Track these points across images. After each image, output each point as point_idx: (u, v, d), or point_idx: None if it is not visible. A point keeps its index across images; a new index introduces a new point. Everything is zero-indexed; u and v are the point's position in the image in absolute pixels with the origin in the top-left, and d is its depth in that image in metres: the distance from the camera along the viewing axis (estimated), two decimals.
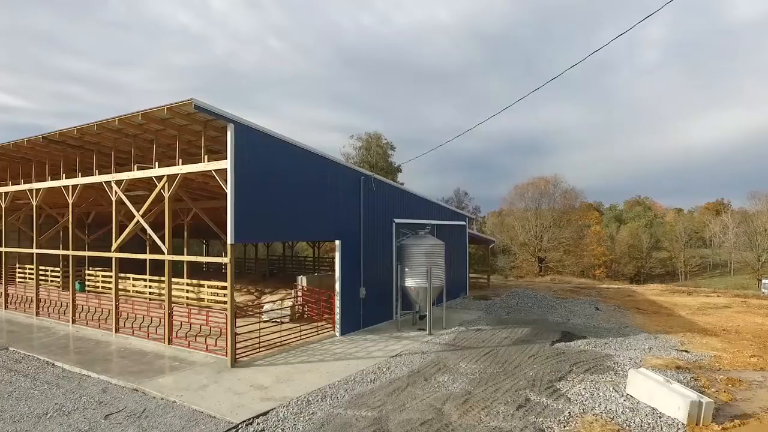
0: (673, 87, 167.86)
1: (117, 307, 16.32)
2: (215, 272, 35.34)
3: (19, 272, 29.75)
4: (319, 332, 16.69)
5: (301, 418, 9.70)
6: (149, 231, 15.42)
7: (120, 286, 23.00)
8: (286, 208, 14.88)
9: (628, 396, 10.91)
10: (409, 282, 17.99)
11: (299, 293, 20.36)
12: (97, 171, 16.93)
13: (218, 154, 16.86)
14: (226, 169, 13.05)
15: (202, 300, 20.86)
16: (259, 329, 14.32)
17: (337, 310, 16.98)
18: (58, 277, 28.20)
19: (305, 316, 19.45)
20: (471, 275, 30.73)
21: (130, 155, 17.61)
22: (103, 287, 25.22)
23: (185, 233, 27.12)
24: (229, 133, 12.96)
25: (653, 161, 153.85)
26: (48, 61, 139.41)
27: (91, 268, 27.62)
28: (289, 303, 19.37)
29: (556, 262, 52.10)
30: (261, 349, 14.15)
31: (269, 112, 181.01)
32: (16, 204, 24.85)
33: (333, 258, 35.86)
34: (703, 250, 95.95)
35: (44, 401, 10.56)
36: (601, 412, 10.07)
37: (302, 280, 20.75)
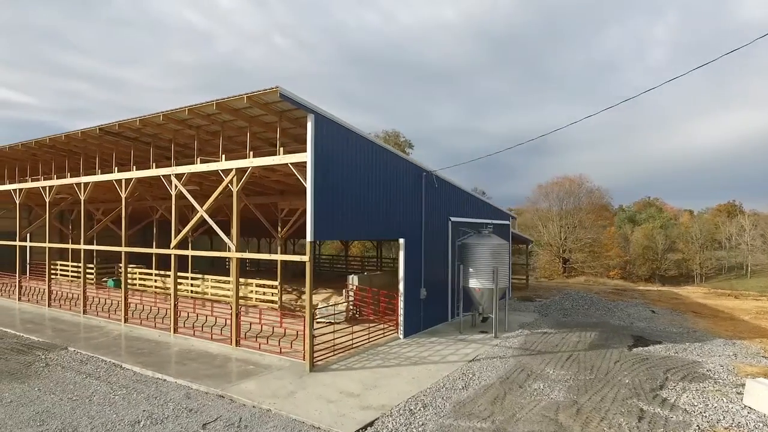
0: (680, 88, 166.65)
1: (176, 306, 15.65)
2: (260, 271, 34.68)
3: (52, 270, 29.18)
4: (385, 335, 16.01)
5: (414, 430, 9.03)
6: (215, 228, 14.73)
7: (161, 285, 22.49)
8: (357, 204, 14.20)
9: (749, 408, 10.23)
10: (473, 283, 17.29)
11: (351, 293, 19.70)
12: (153, 164, 16.24)
13: (274, 148, 16.27)
14: (305, 162, 12.37)
15: (250, 299, 20.20)
16: (333, 332, 13.64)
17: (401, 311, 16.30)
18: (92, 273, 27.63)
19: (356, 317, 18.79)
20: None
21: (187, 148, 17.04)
22: (141, 285, 24.57)
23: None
24: (309, 124, 12.27)
25: (657, 162, 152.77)
26: (53, 58, 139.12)
27: (114, 265, 26.94)
28: (342, 303, 18.68)
29: (580, 263, 51.29)
30: (336, 353, 13.48)
31: None
32: (54, 198, 24.28)
33: (361, 258, 35.17)
34: (719, 252, 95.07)
35: (130, 408, 9.90)
36: (730, 426, 9.38)
37: (353, 280, 20.06)
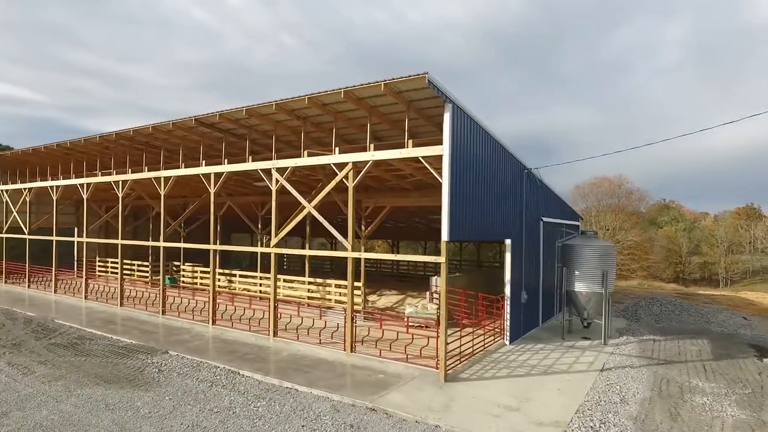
0: (689, 89, 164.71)
1: (275, 308, 14.79)
2: (320, 271, 33.85)
3: (100, 266, 28.46)
4: (493, 340, 15.10)
5: None
6: (328, 226, 13.86)
7: (237, 285, 21.45)
8: (479, 202, 13.30)
9: None
10: (579, 286, 16.36)
11: (435, 295, 18.80)
12: (250, 158, 15.38)
13: (381, 141, 15.39)
14: (440, 156, 11.46)
15: (329, 300, 19.33)
16: (460, 338, 12.73)
17: (507, 315, 15.39)
18: (147, 271, 26.86)
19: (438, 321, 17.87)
20: None
21: (278, 141, 16.22)
22: (202, 284, 23.75)
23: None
24: (447, 115, 11.38)
25: (664, 163, 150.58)
26: (62, 55, 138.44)
27: (169, 263, 26.06)
28: (433, 306, 17.78)
29: (620, 266, 50.18)
30: (463, 360, 12.59)
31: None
32: (112, 194, 23.51)
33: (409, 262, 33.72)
34: (743, 256, 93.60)
35: (283, 422, 9.02)
36: None
37: (436, 281, 19.16)
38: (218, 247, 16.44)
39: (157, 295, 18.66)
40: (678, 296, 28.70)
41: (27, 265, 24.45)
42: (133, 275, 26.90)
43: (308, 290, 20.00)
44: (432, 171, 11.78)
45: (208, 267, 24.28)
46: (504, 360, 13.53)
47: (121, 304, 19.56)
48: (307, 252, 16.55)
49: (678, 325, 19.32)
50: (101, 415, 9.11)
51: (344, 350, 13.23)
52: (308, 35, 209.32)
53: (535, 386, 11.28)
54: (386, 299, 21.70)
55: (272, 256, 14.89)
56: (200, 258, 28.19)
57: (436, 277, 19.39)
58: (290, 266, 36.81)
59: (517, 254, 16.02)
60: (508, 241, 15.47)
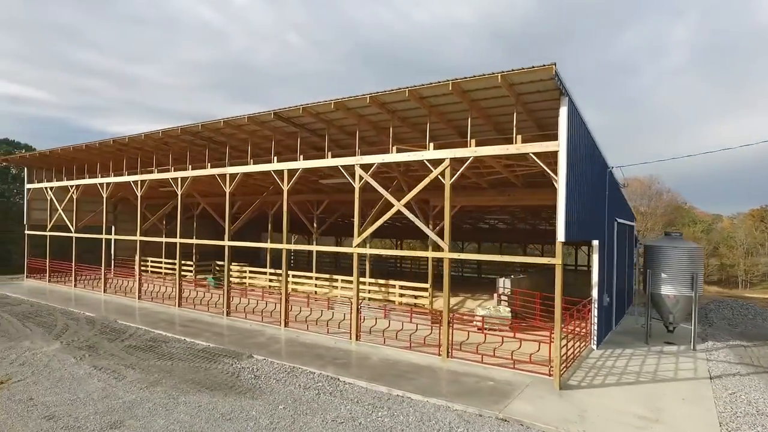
0: (696, 90, 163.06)
1: (357, 310, 14.20)
2: (342, 268, 33.33)
3: (142, 265, 27.92)
4: (584, 346, 14.46)
5: None
6: (421, 225, 13.27)
7: (291, 286, 20.75)
8: (583, 202, 12.69)
9: None
10: (666, 289, 15.70)
11: (504, 297, 18.18)
12: (329, 154, 14.80)
13: (462, 138, 14.81)
14: (554, 152, 10.86)
15: (392, 301, 18.77)
16: (566, 344, 12.10)
17: (595, 319, 14.75)
18: (191, 271, 26.40)
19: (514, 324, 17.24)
20: None
21: (350, 136, 15.69)
22: (250, 284, 23.24)
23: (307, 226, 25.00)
24: (563, 109, 10.76)
25: (672, 166, 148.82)
26: (69, 54, 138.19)
27: (211, 263, 25.26)
28: (506, 308, 17.17)
29: None
30: (567, 367, 11.97)
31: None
32: (158, 192, 23.05)
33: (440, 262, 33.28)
34: (762, 258, 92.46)
35: None
36: None
37: (505, 283, 18.56)
38: (287, 246, 15.84)
39: (220, 296, 18.12)
40: (736, 299, 27.97)
41: (73, 263, 23.97)
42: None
43: (368, 291, 19.47)
44: (546, 169, 11.16)
45: (255, 267, 24.01)
46: (602, 366, 12.89)
47: (179, 305, 19.02)
48: (396, 252, 15.93)
49: (756, 329, 18.62)
50: (224, 426, 8.54)
51: (438, 355, 12.63)
52: (314, 35, 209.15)
53: (655, 395, 10.65)
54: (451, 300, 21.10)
55: (355, 256, 14.31)
56: (242, 257, 27.75)
57: (503, 278, 18.80)
58: (319, 266, 36.31)
59: (603, 256, 15.40)
60: (595, 242, 14.83)
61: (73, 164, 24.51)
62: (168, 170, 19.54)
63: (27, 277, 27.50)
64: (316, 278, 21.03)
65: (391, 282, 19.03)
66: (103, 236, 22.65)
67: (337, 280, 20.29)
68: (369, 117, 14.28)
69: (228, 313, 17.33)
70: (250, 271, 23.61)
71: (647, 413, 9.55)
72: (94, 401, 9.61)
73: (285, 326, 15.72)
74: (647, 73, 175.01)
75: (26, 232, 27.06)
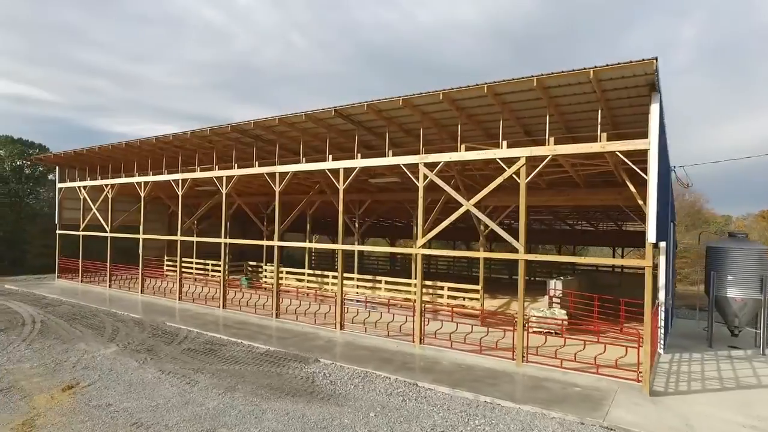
0: (702, 90, 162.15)
1: (422, 311, 13.80)
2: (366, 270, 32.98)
3: (169, 266, 27.70)
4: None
5: None
6: (493, 225, 12.87)
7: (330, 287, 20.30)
8: (663, 202, 12.27)
9: None
10: (733, 292, 15.27)
11: (556, 299, 17.77)
12: (390, 152, 14.42)
13: (530, 136, 14.45)
14: (643, 150, 10.46)
15: (440, 304, 18.39)
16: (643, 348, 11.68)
17: (662, 323, 14.33)
18: (220, 271, 26.01)
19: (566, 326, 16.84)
20: None
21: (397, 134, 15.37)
22: (287, 284, 22.87)
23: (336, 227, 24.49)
24: (654, 106, 10.38)
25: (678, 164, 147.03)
26: (73, 54, 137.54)
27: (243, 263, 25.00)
28: (561, 311, 16.76)
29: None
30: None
31: (290, 109, 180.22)
32: (194, 191, 22.74)
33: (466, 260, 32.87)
34: None
35: None
36: None
37: (556, 284, 18.15)
38: (344, 246, 15.46)
39: (262, 297, 17.77)
40: None
41: (108, 264, 23.67)
42: (209, 275, 26.12)
43: (413, 293, 19.07)
44: (635, 168, 10.77)
45: (291, 268, 23.62)
46: (678, 371, 12.50)
47: (224, 306, 18.68)
48: (462, 253, 15.56)
49: None
50: None
51: (512, 359, 12.23)
52: (318, 35, 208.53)
53: (747, 402, 10.22)
54: (488, 303, 20.70)
55: (418, 257, 13.93)
56: (258, 258, 27.53)
57: (554, 280, 18.39)
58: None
59: (668, 257, 14.98)
60: (662, 244, 14.35)
61: (106, 163, 24.30)
62: (211, 169, 19.19)
63: (57, 277, 27.22)
64: (358, 279, 20.66)
65: (439, 284, 18.64)
66: (141, 236, 22.32)
67: (381, 282, 19.92)
68: (433, 114, 13.90)
69: (277, 315, 16.97)
70: (288, 272, 23.24)
71: (753, 422, 9.14)
72: (176, 408, 9.26)
73: (341, 329, 15.34)
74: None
75: (58, 231, 26.79)
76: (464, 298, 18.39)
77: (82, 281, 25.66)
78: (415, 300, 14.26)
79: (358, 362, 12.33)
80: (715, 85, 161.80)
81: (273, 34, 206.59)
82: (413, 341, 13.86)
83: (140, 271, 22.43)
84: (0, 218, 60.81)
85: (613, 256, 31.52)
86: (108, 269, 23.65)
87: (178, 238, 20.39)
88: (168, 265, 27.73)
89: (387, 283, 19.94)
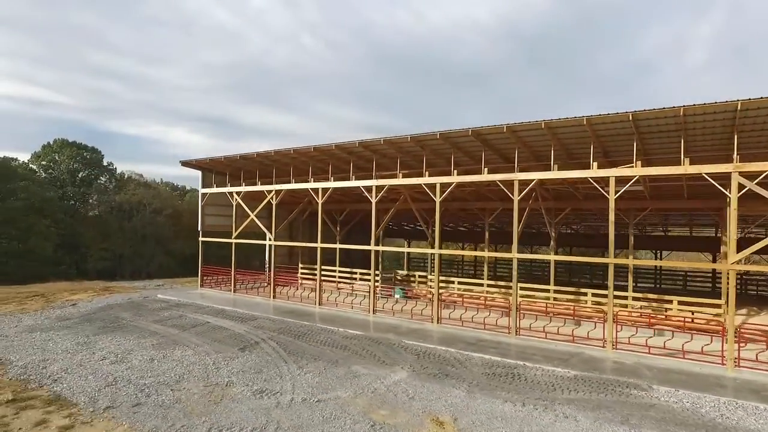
0: (718, 88, 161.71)
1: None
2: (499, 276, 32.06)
3: (306, 274, 26.90)
4: None
5: None
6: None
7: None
8: None
9: None
10: None
11: None
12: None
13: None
14: None
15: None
16: None
17: None
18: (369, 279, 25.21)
19: None
20: None
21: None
22: (464, 293, 21.84)
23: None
24: None
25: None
26: (88, 57, 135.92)
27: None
28: None
29: None
30: None
31: (300, 110, 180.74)
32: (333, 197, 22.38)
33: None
34: None
35: None
36: None
37: None
38: (557, 257, 14.65)
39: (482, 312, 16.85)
40: None
41: (272, 272, 22.86)
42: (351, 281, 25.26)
43: (629, 306, 18.23)
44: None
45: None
46: None
47: (439, 321, 17.80)
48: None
49: None
50: None
51: None
52: (330, 36, 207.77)
53: None
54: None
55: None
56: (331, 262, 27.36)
57: None
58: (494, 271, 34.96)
59: None
60: None
61: (255, 170, 24.24)
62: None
63: (201, 286, 26.41)
64: (555, 291, 19.80)
65: (666, 297, 17.79)
66: (308, 244, 21.52)
67: (586, 294, 19.03)
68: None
69: (517, 332, 16.13)
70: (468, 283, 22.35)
71: None
72: None
73: (613, 348, 14.48)
74: (668, 72, 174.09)
75: (200, 239, 25.94)
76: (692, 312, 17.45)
77: (234, 291, 24.74)
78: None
79: (703, 390, 11.48)
80: (731, 82, 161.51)
81: (285, 36, 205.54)
82: (723, 364, 13.02)
83: (319, 281, 21.34)
84: (57, 222, 60.30)
85: None
86: (272, 278, 22.83)
87: (374, 248, 19.53)
88: (303, 272, 27.01)
89: (574, 293, 19.34)
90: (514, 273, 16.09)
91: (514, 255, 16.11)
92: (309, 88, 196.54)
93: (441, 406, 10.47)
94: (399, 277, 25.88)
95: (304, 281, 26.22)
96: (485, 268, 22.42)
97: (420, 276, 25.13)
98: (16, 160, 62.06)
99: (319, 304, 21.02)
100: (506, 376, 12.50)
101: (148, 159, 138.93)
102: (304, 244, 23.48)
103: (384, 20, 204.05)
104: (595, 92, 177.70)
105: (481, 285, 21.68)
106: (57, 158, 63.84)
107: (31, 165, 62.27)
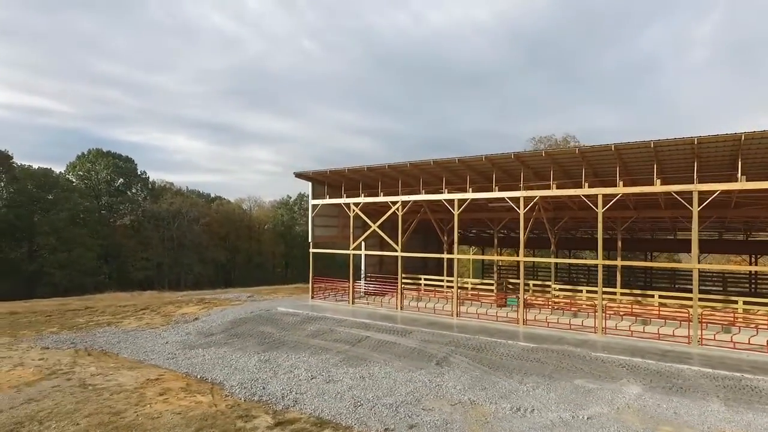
0: (721, 87, 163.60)
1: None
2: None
3: (408, 283, 26.74)
4: None
5: None
6: None
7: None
8: None
9: None
10: None
11: None
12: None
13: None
14: None
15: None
16: None
17: None
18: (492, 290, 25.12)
19: None
20: None
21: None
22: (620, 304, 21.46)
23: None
24: None
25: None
26: (89, 65, 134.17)
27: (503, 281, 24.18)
28: None
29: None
30: None
31: (299, 115, 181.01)
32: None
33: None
34: None
35: None
36: None
37: None
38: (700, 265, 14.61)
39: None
40: None
41: (399, 283, 22.66)
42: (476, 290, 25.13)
43: None
44: None
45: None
46: None
47: (604, 332, 17.67)
48: None
49: None
50: None
51: None
52: (329, 39, 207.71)
53: None
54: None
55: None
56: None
57: None
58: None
59: None
60: None
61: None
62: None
63: (311, 297, 26.15)
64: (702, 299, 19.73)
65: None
66: (437, 255, 21.32)
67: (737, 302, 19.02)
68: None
69: (700, 342, 16.08)
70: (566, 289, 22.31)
71: None
72: None
73: None
74: (669, 70, 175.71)
75: (311, 250, 25.70)
76: None
77: (353, 303, 24.45)
78: None
79: None
80: (731, 82, 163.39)
81: (284, 40, 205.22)
82: None
83: (456, 291, 21.08)
84: (96, 232, 59.58)
85: None
86: (399, 288, 22.65)
87: (523, 259, 19.41)
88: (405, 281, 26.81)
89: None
90: (695, 284, 16.09)
91: (695, 265, 16.08)
92: (308, 92, 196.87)
93: (716, 421, 10.40)
94: (510, 286, 25.78)
95: (405, 290, 26.07)
96: (618, 276, 22.09)
97: (534, 285, 25.09)
98: (51, 170, 61.31)
99: (457, 316, 20.85)
100: (742, 389, 12.39)
101: (150, 167, 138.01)
102: (436, 256, 23.40)
103: (384, 22, 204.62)
104: (595, 92, 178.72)
105: (652, 296, 21.57)
106: (93, 168, 63.20)
107: (67, 175, 61.62)
